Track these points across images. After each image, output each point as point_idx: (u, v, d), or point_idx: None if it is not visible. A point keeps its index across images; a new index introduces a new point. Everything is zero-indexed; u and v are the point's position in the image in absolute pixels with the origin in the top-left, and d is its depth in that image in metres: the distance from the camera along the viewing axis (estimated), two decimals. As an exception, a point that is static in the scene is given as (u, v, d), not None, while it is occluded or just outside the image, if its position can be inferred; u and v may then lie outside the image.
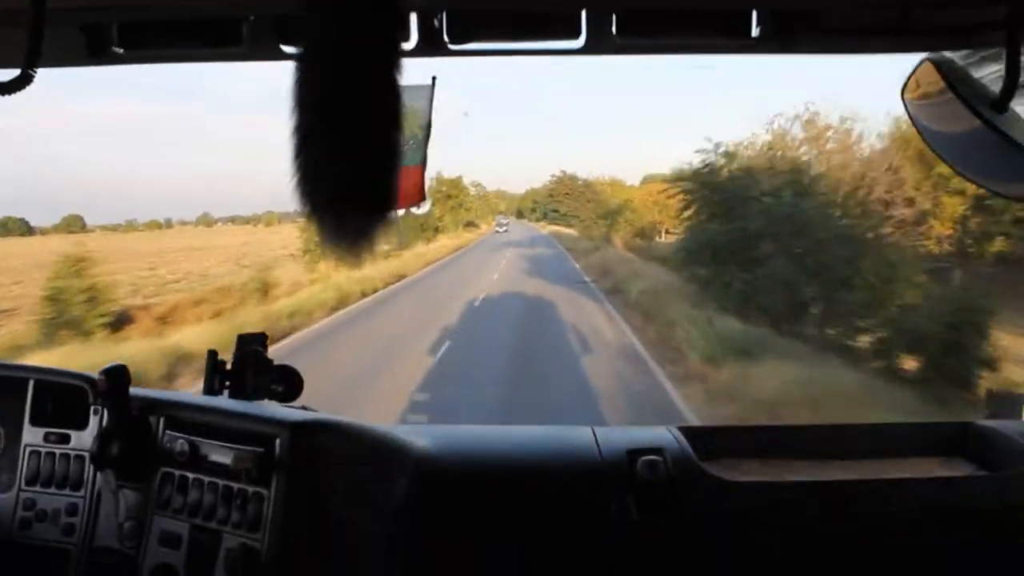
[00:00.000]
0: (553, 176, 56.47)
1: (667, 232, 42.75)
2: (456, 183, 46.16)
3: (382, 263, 19.06)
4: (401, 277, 19.60)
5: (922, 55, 0.73)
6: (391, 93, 0.51)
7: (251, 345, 1.17)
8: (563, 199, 52.76)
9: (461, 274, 20.79)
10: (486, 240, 41.45)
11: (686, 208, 13.80)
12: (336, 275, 17.44)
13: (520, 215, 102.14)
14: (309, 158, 0.50)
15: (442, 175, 46.31)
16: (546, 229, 54.44)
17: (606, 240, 35.07)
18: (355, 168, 0.51)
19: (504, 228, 50.99)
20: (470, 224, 56.62)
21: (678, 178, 14.30)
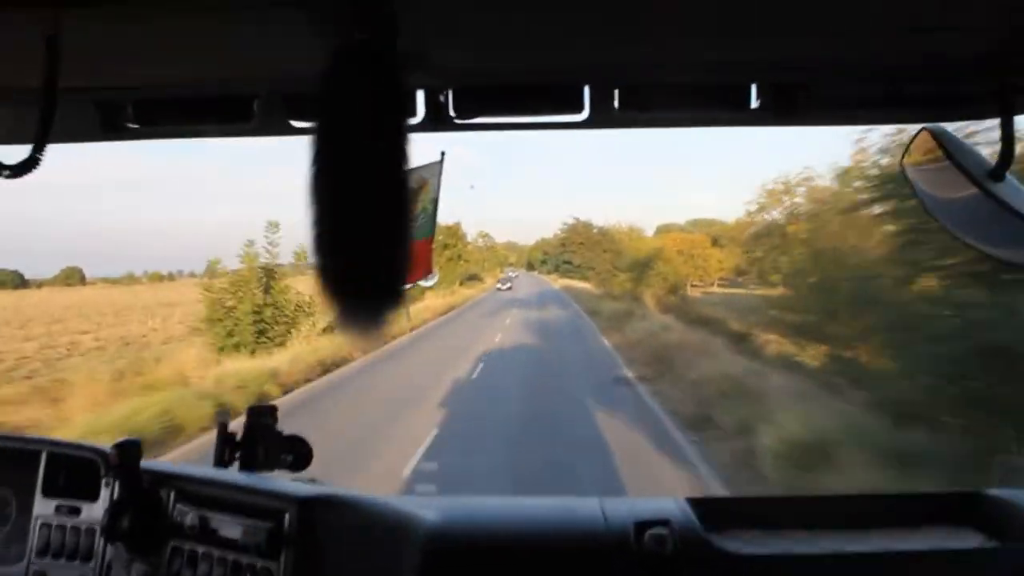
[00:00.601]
0: (565, 224, 52.36)
1: (692, 286, 36.15)
2: (454, 231, 39.32)
3: (321, 340, 13.30)
4: (333, 366, 12.09)
5: (918, 126, 0.76)
6: (400, 170, 0.51)
7: (261, 417, 1.20)
8: (577, 249, 48.02)
9: (427, 359, 13.36)
10: (485, 299, 35.10)
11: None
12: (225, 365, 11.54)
13: (530, 267, 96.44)
14: (323, 235, 0.51)
15: (438, 223, 40.39)
16: (558, 283, 50.13)
17: (634, 298, 27.70)
18: (367, 247, 0.51)
19: (507, 285, 43.88)
20: (472, 278, 50.01)
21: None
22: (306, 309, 14.76)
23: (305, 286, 14.59)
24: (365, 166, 0.50)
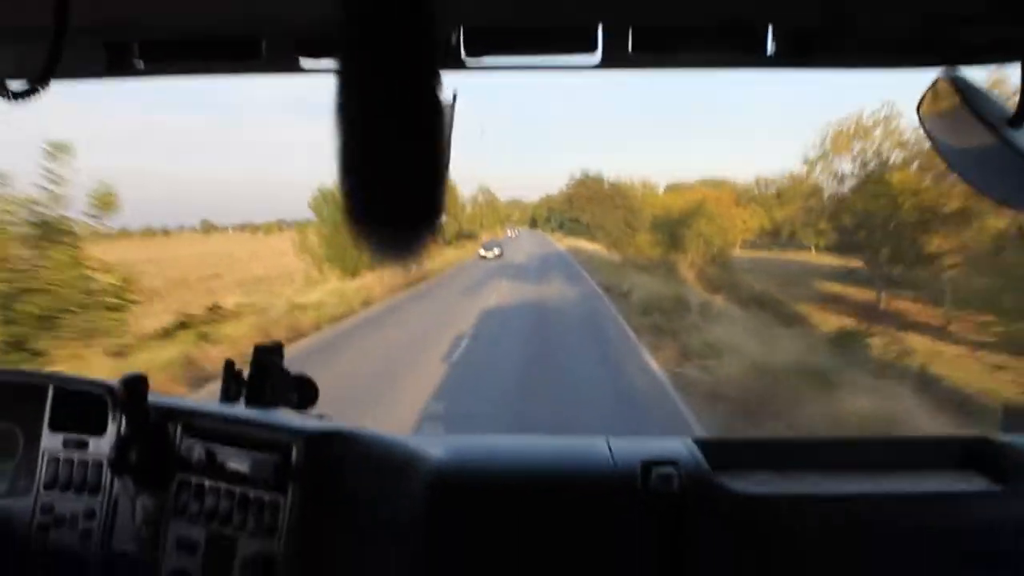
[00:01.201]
0: (573, 179, 44.84)
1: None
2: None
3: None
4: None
5: (938, 71, 0.74)
6: (432, 100, 0.51)
7: (268, 354, 1.20)
8: (585, 206, 40.62)
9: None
10: (472, 265, 26.03)
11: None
12: None
13: (533, 224, 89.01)
14: (354, 171, 0.51)
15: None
16: (563, 243, 44.52)
17: (667, 268, 20.50)
18: (404, 177, 0.52)
19: (494, 251, 30.78)
20: (467, 237, 43.20)
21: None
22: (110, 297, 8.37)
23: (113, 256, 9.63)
24: (398, 98, 0.49)
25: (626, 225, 32.22)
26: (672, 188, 41.77)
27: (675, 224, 23.97)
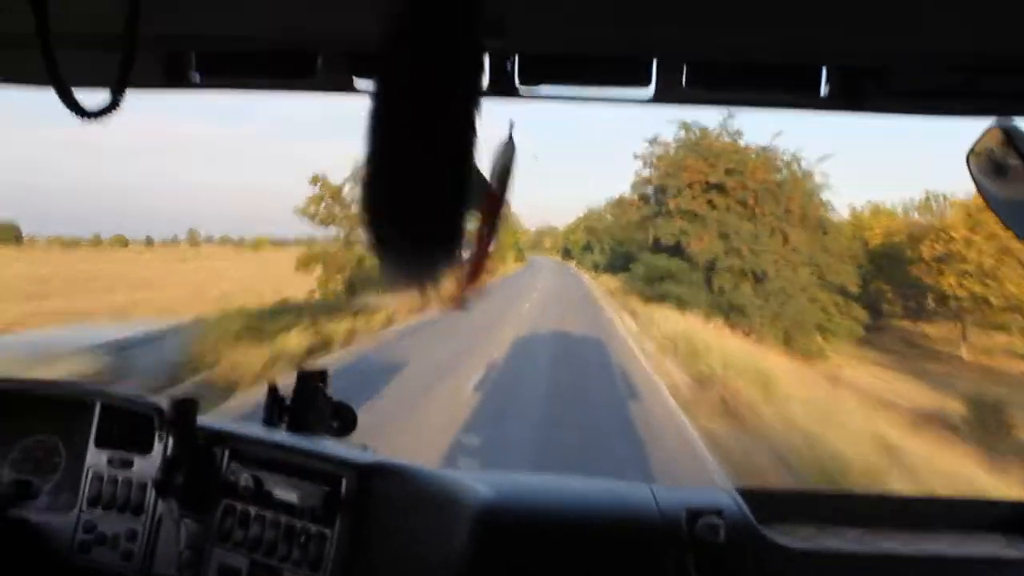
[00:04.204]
0: (656, 142, 21.98)
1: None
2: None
3: None
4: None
5: (990, 120, 0.75)
6: (467, 129, 0.50)
7: (311, 380, 1.19)
8: (690, 194, 20.08)
9: None
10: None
11: None
12: None
13: (567, 255, 72.43)
14: (379, 191, 0.51)
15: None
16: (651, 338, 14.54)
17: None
18: (425, 202, 0.51)
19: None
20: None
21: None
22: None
23: None
24: (431, 123, 0.49)
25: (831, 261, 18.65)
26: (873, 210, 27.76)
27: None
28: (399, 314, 15.99)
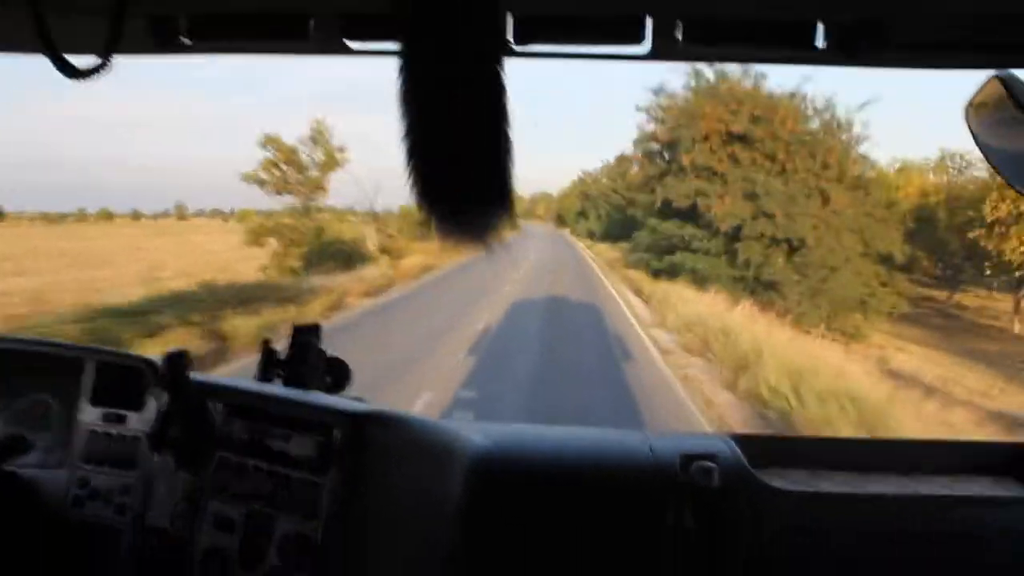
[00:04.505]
0: (658, 91, 18.12)
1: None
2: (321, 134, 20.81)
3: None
4: None
5: (990, 72, 0.73)
6: (497, 86, 0.51)
7: (305, 335, 1.18)
8: (708, 147, 16.30)
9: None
10: None
11: None
12: None
13: (560, 221, 67.79)
14: (424, 154, 0.51)
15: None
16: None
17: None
18: (474, 159, 0.52)
19: None
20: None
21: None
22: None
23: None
24: (464, 83, 0.50)
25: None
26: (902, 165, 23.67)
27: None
28: (351, 297, 12.82)
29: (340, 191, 34.55)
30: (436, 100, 0.49)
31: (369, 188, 23.00)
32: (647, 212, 19.10)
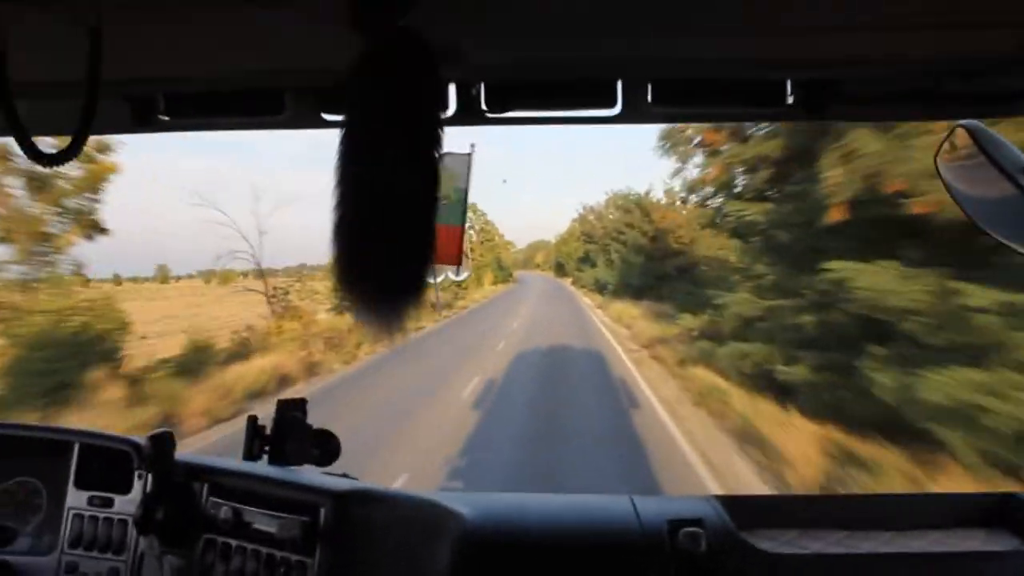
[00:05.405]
0: None
1: None
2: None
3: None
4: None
5: (954, 123, 0.76)
6: (432, 165, 0.51)
7: (291, 410, 1.17)
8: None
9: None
10: None
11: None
12: None
13: (560, 269, 58.83)
14: (348, 231, 0.51)
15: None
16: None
17: None
18: (393, 239, 0.52)
19: None
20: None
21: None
22: None
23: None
24: (396, 160, 0.50)
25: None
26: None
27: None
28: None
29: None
30: (364, 175, 0.49)
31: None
32: (762, 247, 8.63)
